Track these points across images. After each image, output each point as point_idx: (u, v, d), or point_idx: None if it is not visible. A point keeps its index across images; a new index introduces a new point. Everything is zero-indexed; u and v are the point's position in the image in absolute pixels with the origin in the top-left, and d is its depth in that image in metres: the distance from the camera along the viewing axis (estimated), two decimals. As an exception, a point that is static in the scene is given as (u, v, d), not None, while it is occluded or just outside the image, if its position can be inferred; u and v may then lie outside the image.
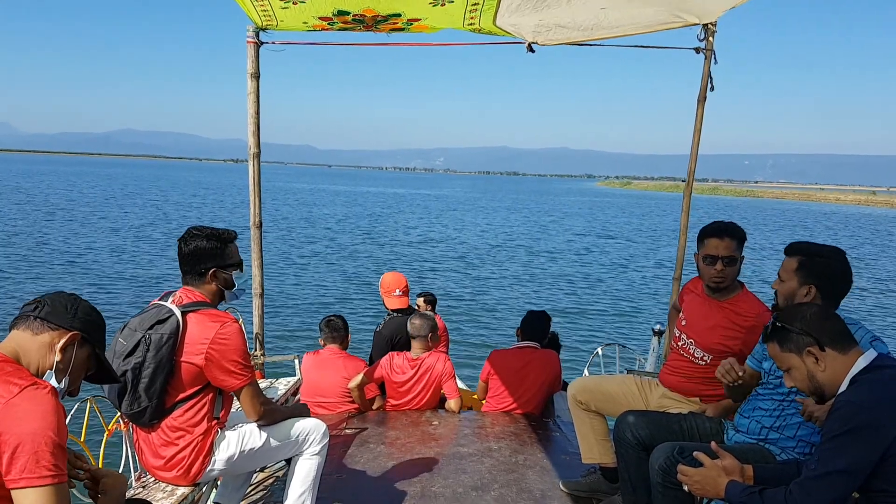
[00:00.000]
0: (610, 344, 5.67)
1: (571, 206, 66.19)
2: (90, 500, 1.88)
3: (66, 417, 1.71)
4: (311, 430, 2.86)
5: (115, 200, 41.59)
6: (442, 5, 3.58)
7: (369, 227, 32.53)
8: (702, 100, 4.37)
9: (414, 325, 4.44)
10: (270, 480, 3.79)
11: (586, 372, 5.24)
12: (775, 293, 2.58)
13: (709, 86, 4.34)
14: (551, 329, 4.99)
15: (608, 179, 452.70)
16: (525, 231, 35.08)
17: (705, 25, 4.16)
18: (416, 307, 5.74)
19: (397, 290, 5.01)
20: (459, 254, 23.75)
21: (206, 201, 46.67)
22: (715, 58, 4.25)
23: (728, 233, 2.96)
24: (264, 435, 2.76)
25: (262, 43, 4.28)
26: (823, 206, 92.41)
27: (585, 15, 3.67)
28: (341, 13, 3.76)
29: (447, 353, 5.08)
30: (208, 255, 2.63)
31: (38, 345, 1.80)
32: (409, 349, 4.53)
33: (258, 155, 4.47)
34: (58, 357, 1.81)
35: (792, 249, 2.55)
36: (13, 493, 1.54)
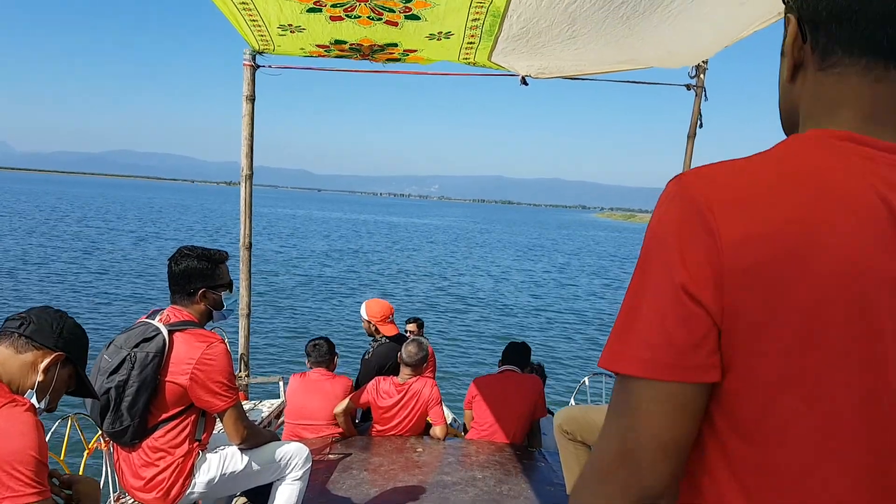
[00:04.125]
0: (597, 374, 5.67)
1: (607, 244, 58.21)
2: None
3: (45, 433, 1.70)
4: (293, 455, 2.83)
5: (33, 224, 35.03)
6: (438, 40, 3.65)
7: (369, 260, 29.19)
8: (692, 135, 4.44)
9: (409, 351, 4.41)
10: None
11: (572, 401, 5.23)
12: None
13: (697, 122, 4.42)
14: (535, 360, 4.99)
15: (606, 211, 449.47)
16: (593, 290, 24.85)
17: (696, 63, 4.26)
18: (408, 332, 5.73)
19: (390, 317, 5.02)
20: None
21: (148, 229, 38.29)
22: (705, 95, 4.33)
23: None
24: (246, 458, 2.73)
25: (259, 66, 4.32)
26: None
27: (576, 62, 3.76)
28: (339, 42, 3.82)
29: (434, 378, 5.06)
30: (199, 275, 2.63)
31: (20, 363, 1.79)
32: (397, 375, 4.50)
33: (251, 177, 4.48)
34: (40, 378, 1.80)
35: None
36: None
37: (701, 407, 0.79)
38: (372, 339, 5.07)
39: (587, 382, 5.32)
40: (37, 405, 1.76)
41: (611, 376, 5.74)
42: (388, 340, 4.95)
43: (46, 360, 1.81)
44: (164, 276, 2.82)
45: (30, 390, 1.79)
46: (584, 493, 0.83)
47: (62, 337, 1.86)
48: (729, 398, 0.78)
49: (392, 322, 5.00)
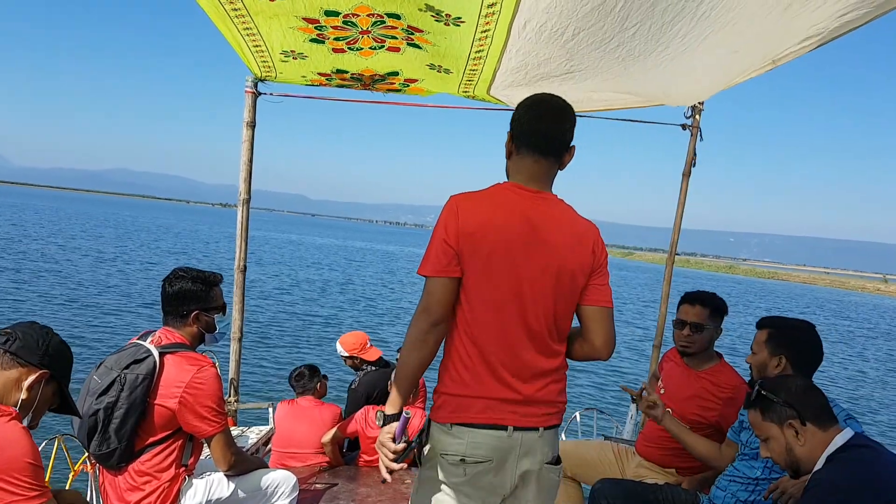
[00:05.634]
0: (588, 409, 5.64)
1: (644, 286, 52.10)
2: None
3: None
4: (280, 483, 2.80)
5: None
6: (439, 72, 3.70)
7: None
8: (686, 174, 4.49)
9: None
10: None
11: (563, 436, 5.19)
12: (750, 367, 2.62)
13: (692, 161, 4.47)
14: None
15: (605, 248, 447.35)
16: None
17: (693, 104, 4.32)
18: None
19: (369, 343, 5.00)
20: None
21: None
22: (701, 135, 4.39)
23: (700, 301, 3.05)
24: (232, 485, 2.70)
25: (260, 93, 4.37)
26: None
27: (575, 94, 3.81)
28: (340, 71, 3.87)
29: (424, 408, 5.02)
30: (192, 297, 2.63)
31: (4, 380, 1.78)
32: (385, 403, 4.46)
33: (248, 201, 4.49)
34: (24, 395, 1.79)
35: (763, 323, 2.63)
36: None
37: (454, 287, 1.87)
38: (359, 371, 5.02)
39: (578, 418, 5.29)
40: None
41: (601, 411, 5.75)
42: (373, 369, 4.92)
43: (31, 378, 1.80)
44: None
45: (13, 408, 1.78)
46: (410, 327, 1.89)
47: (48, 354, 1.86)
48: (465, 285, 1.87)
49: (371, 347, 4.99)
